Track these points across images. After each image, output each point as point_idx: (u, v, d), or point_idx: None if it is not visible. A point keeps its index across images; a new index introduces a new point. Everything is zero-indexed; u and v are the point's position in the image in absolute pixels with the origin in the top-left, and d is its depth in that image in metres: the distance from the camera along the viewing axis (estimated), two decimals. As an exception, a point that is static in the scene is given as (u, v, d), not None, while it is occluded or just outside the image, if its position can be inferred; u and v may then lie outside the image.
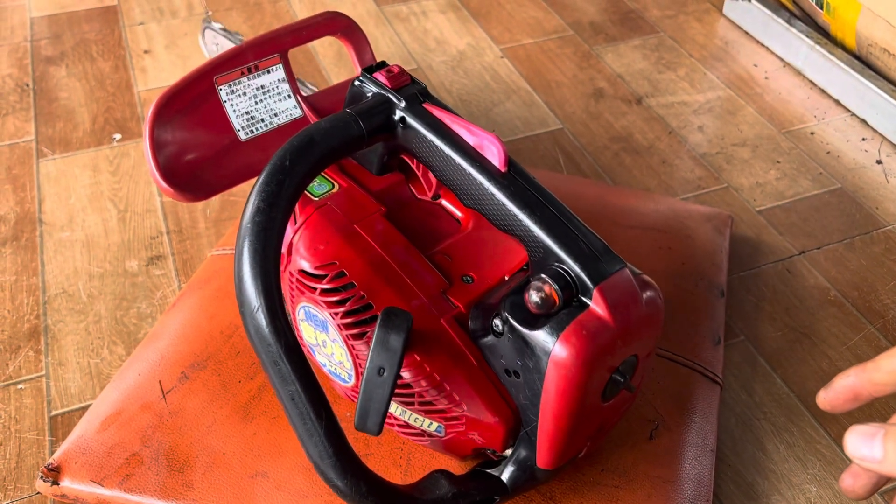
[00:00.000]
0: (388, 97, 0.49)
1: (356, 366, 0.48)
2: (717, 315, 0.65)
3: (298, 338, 0.48)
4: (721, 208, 0.80)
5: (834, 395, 0.43)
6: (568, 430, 0.43)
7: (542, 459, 0.46)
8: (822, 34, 0.99)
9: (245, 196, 0.79)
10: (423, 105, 0.48)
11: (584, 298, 0.42)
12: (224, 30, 0.80)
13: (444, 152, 0.47)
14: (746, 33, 1.07)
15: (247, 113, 0.57)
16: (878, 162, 0.87)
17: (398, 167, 0.55)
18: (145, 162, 0.84)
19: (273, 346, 0.39)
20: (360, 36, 0.63)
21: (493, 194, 0.45)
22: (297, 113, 0.59)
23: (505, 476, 0.47)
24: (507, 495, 0.47)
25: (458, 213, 0.54)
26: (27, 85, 0.95)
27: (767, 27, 1.03)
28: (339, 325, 0.47)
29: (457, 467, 0.52)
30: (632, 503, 0.52)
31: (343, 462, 0.39)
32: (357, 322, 0.47)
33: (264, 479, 0.52)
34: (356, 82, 0.50)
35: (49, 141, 0.87)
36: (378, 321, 0.42)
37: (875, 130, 0.91)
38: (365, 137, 0.47)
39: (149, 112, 0.53)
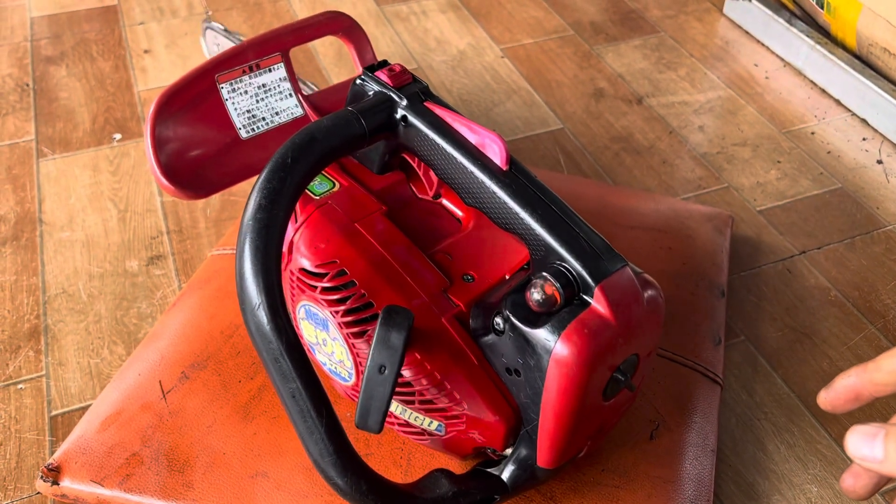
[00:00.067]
0: (390, 96, 0.49)
1: (356, 364, 0.48)
2: (717, 315, 0.65)
3: (299, 336, 0.48)
4: (722, 208, 0.80)
5: (835, 395, 0.43)
6: (569, 428, 0.43)
7: (543, 458, 0.46)
8: (823, 34, 0.99)
9: (245, 195, 0.79)
10: (425, 104, 0.48)
11: (585, 297, 0.42)
12: (225, 30, 0.80)
13: (445, 151, 0.47)
14: (747, 33, 1.07)
15: (248, 111, 0.57)
16: (879, 162, 0.87)
17: (399, 166, 0.55)
18: (145, 161, 0.84)
19: (274, 344, 0.39)
20: (361, 35, 0.63)
21: (494, 193, 0.45)
22: (299, 112, 0.59)
23: (505, 475, 0.47)
24: (508, 494, 0.47)
25: (459, 213, 0.54)
26: (27, 85, 0.95)
27: (768, 27, 1.03)
28: (339, 324, 0.47)
29: (457, 466, 0.52)
30: (632, 503, 0.52)
31: (344, 460, 0.39)
32: (357, 321, 0.47)
33: (264, 478, 0.52)
34: (358, 81, 0.50)
35: (49, 141, 0.87)
36: (379, 319, 0.41)
37: (875, 130, 0.91)
38: (366, 136, 0.47)
39: (150, 110, 0.53)
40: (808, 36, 0.98)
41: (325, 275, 0.47)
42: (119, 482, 0.52)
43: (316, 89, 0.71)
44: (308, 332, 0.51)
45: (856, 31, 0.94)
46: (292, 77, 0.59)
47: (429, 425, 0.48)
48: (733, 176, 0.84)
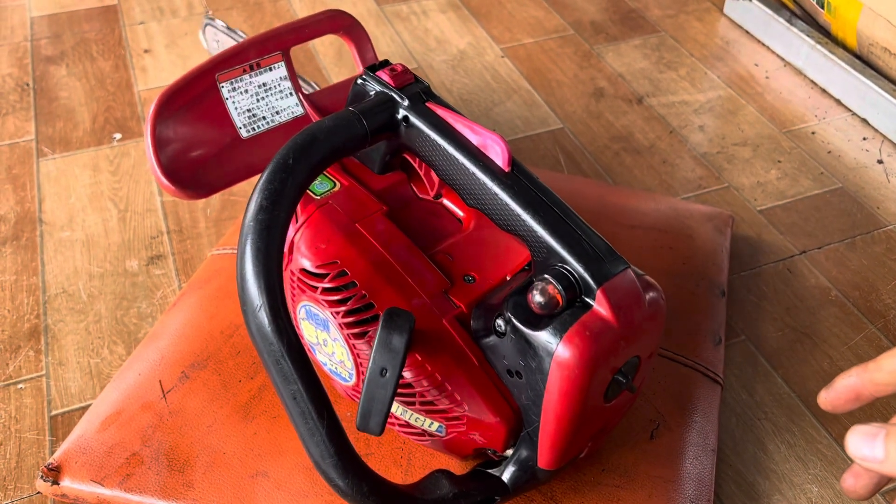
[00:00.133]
0: (392, 96, 0.49)
1: (357, 365, 0.48)
2: (717, 315, 0.65)
3: (299, 337, 0.48)
4: (722, 208, 0.80)
5: (835, 395, 0.43)
6: (570, 430, 0.43)
7: (544, 460, 0.46)
8: (823, 34, 0.99)
9: (246, 195, 0.79)
10: (427, 104, 0.48)
11: (587, 299, 0.42)
12: (225, 26, 0.80)
13: (447, 151, 0.47)
14: (747, 33, 1.07)
15: (248, 110, 0.57)
16: (879, 161, 0.87)
17: (400, 166, 0.55)
18: (146, 161, 0.84)
19: (275, 345, 0.39)
20: (362, 34, 0.63)
21: (496, 194, 0.45)
22: (299, 111, 0.59)
23: (506, 476, 0.47)
24: (508, 495, 0.47)
25: (460, 213, 0.54)
26: (27, 84, 0.95)
27: (768, 27, 1.03)
28: (340, 325, 0.47)
29: (457, 467, 0.52)
30: (633, 503, 0.52)
31: (344, 461, 0.39)
32: (358, 321, 0.47)
33: (265, 478, 0.52)
34: (359, 81, 0.50)
35: (49, 140, 0.87)
36: (381, 322, 0.41)
37: (876, 130, 0.91)
38: (368, 136, 0.47)
39: (150, 109, 0.53)
40: (808, 35, 0.98)
41: (326, 275, 0.47)
42: (119, 482, 0.52)
43: (316, 88, 0.71)
44: (309, 332, 0.51)
45: (856, 30, 0.94)
46: (293, 76, 0.59)
47: (429, 426, 0.48)
48: (734, 175, 0.84)
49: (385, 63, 0.50)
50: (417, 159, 0.52)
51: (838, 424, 0.61)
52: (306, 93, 0.60)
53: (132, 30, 1.05)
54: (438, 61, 1.01)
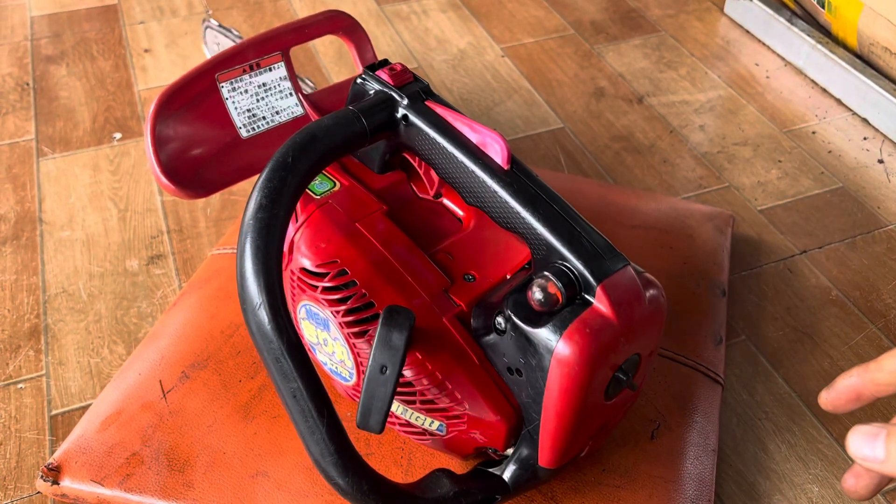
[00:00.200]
0: (391, 95, 0.48)
1: (357, 364, 0.48)
2: (718, 314, 0.65)
3: (300, 336, 0.48)
4: (722, 207, 0.80)
5: (836, 395, 0.43)
6: (570, 428, 0.43)
7: (545, 458, 0.45)
8: (824, 33, 0.99)
9: (246, 195, 0.79)
10: (426, 103, 0.48)
11: (587, 296, 0.42)
12: (220, 26, 0.80)
13: (446, 150, 0.47)
14: (748, 32, 1.07)
15: (248, 110, 0.57)
16: (880, 161, 0.86)
17: (400, 165, 0.55)
18: (146, 161, 0.84)
19: (275, 344, 0.39)
20: (361, 34, 0.63)
21: (496, 192, 0.45)
22: (299, 111, 0.59)
23: (506, 475, 0.47)
24: (509, 494, 0.47)
25: (460, 212, 0.54)
26: (27, 84, 0.95)
27: (769, 26, 1.03)
28: (340, 324, 0.47)
29: (458, 466, 0.52)
30: (633, 503, 0.52)
31: (345, 460, 0.39)
32: (358, 321, 0.46)
33: (265, 478, 0.52)
34: (358, 80, 0.50)
35: (49, 140, 0.87)
36: (380, 319, 0.41)
37: (876, 129, 0.90)
38: (367, 135, 0.47)
39: (150, 109, 0.53)
40: (808, 35, 0.98)
41: (326, 274, 0.47)
42: (119, 482, 0.52)
43: (315, 88, 0.71)
44: (309, 331, 0.51)
45: (857, 30, 0.94)
46: (292, 76, 0.59)
47: (430, 425, 0.47)
48: (734, 175, 0.84)
49: (384, 62, 0.50)
50: (417, 158, 0.52)
51: (839, 424, 0.61)
52: (306, 93, 0.60)
53: (132, 29, 1.05)
54: (439, 61, 1.01)
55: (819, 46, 0.96)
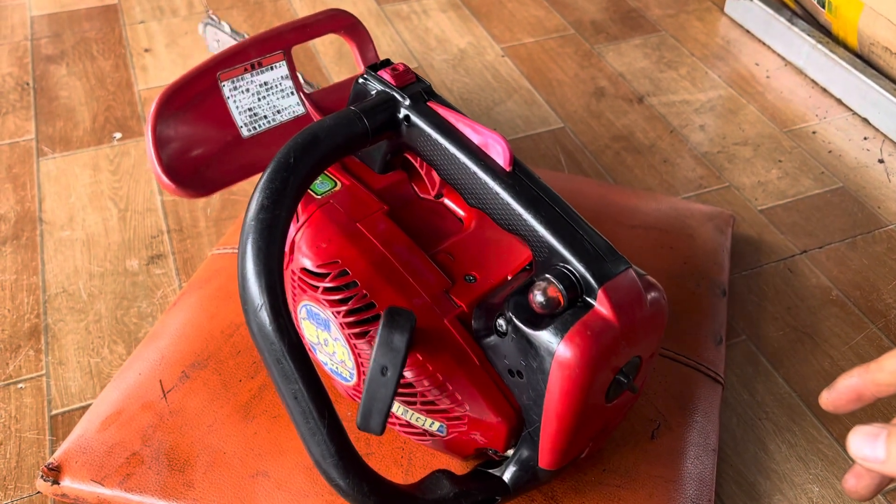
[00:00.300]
0: (393, 95, 0.48)
1: (358, 364, 0.48)
2: (718, 314, 0.65)
3: (300, 336, 0.48)
4: (723, 207, 0.80)
5: (837, 395, 0.43)
6: (571, 430, 0.43)
7: (545, 460, 0.45)
8: (824, 33, 0.99)
9: (246, 194, 0.79)
10: (428, 103, 0.48)
11: (588, 299, 0.42)
12: (217, 21, 0.80)
13: (448, 151, 0.46)
14: (748, 32, 1.07)
15: (249, 109, 0.57)
16: (880, 161, 0.86)
17: (401, 165, 0.55)
18: (146, 160, 0.84)
19: (276, 345, 0.39)
20: (363, 34, 0.63)
21: (497, 194, 0.45)
22: (300, 110, 0.59)
23: (507, 476, 0.47)
24: (509, 495, 0.47)
25: (461, 213, 0.53)
26: (27, 84, 0.95)
27: (769, 26, 1.03)
28: (341, 324, 0.47)
29: (458, 467, 0.52)
30: (633, 503, 0.52)
31: (345, 461, 0.39)
32: (359, 321, 0.46)
33: (265, 478, 0.52)
34: (360, 80, 0.50)
35: (49, 140, 0.87)
36: (381, 320, 0.41)
37: (877, 129, 0.90)
38: (369, 135, 0.47)
39: (151, 108, 0.53)
40: (809, 35, 0.98)
41: (327, 275, 0.47)
42: (119, 482, 0.52)
43: (315, 87, 0.71)
44: (309, 332, 0.51)
45: (857, 30, 0.94)
46: (294, 75, 0.59)
47: (430, 426, 0.47)
48: (734, 175, 0.84)
49: (386, 62, 0.50)
50: (419, 159, 0.52)
51: (839, 424, 0.61)
52: (307, 92, 0.60)
53: (132, 29, 1.05)
54: (439, 60, 1.01)
55: (819, 46, 0.96)
